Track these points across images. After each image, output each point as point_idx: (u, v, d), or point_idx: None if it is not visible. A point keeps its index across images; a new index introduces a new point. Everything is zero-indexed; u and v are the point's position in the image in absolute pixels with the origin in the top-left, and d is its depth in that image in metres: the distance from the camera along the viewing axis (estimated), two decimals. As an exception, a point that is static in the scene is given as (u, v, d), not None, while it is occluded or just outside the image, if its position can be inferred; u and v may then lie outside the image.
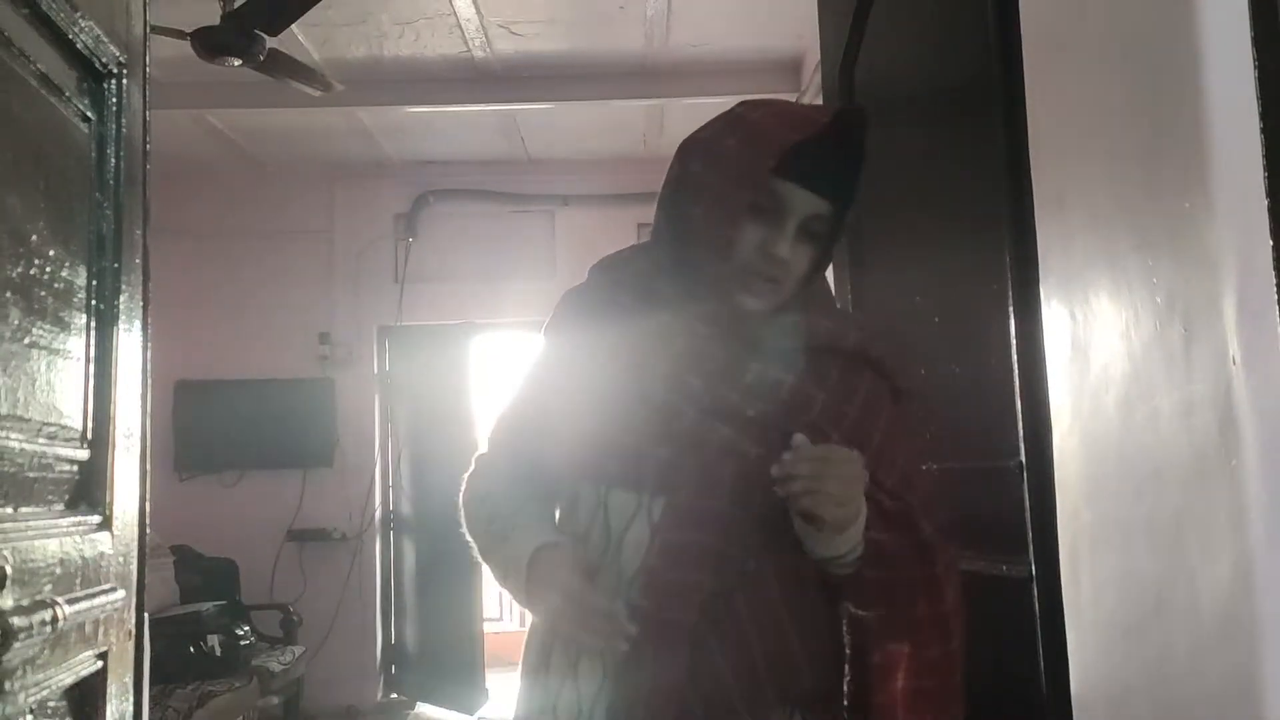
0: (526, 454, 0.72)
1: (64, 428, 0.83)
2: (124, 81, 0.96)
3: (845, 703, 0.66)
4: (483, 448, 0.76)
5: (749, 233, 0.65)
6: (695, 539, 0.62)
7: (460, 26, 2.62)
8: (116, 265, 0.93)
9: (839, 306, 0.77)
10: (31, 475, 0.78)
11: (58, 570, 0.79)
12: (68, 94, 0.86)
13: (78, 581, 0.82)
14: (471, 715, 3.33)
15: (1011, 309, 0.97)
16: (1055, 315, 0.91)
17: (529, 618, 0.72)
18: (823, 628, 0.66)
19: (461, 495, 0.74)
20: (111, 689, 0.89)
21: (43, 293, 0.80)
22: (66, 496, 0.84)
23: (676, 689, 0.60)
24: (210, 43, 2.04)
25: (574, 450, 0.68)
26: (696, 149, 0.68)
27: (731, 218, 0.65)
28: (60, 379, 0.83)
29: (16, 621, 0.68)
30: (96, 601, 0.84)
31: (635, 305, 0.69)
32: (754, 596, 0.63)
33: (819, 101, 1.69)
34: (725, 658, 0.61)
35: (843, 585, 0.64)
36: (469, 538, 0.74)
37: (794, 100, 2.78)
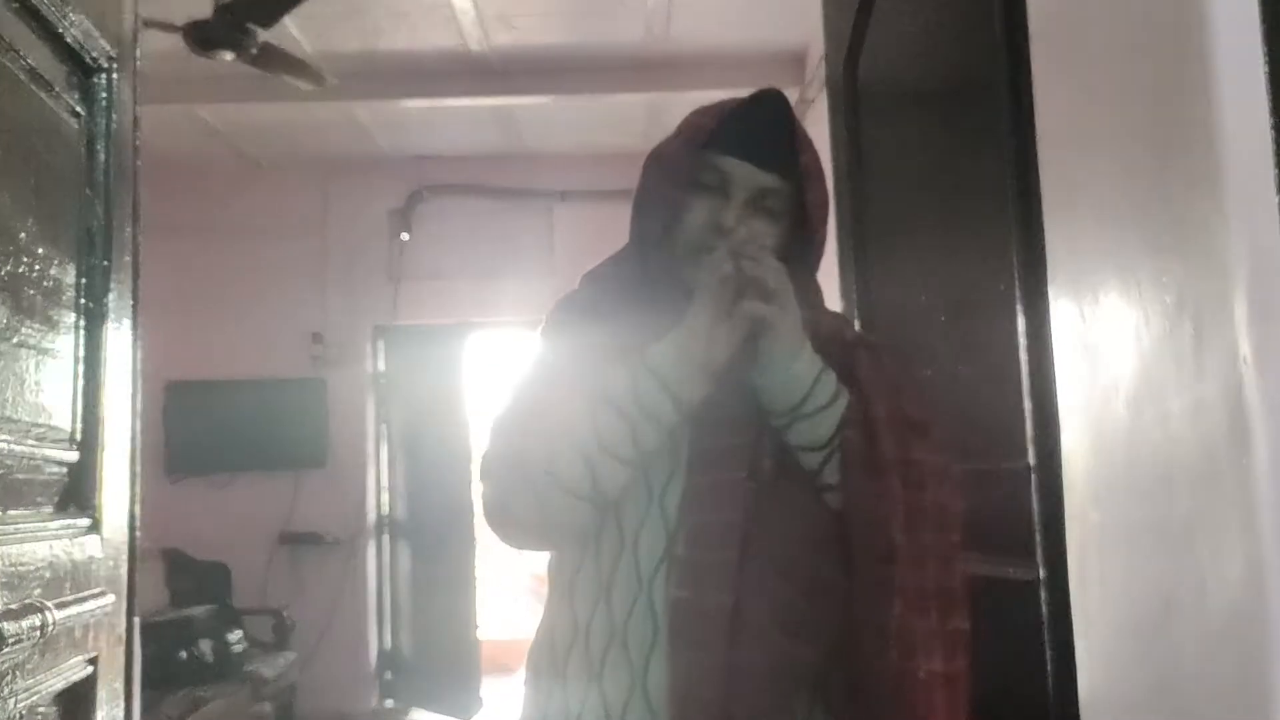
0: None
1: (52, 429, 0.82)
2: (114, 76, 0.94)
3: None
4: (488, 449, 0.71)
5: (696, 210, 0.68)
6: (720, 518, 0.62)
7: (456, 19, 2.60)
8: (106, 263, 0.91)
9: (832, 309, 0.77)
10: (20, 477, 0.76)
11: (47, 574, 0.78)
12: (57, 89, 0.84)
13: (67, 585, 0.81)
14: (466, 720, 3.31)
15: (1019, 308, 0.96)
16: (1064, 315, 0.90)
17: (530, 623, 0.70)
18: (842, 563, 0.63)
19: (493, 468, 0.66)
20: (102, 694, 0.88)
21: (31, 291, 0.78)
22: (55, 499, 0.83)
23: (723, 674, 0.58)
24: (202, 36, 2.02)
25: None
26: (650, 158, 0.71)
27: (677, 197, 0.68)
28: (49, 379, 0.81)
29: (5, 626, 0.67)
30: (86, 606, 0.83)
31: (626, 312, 0.69)
32: (777, 553, 0.62)
33: (824, 96, 1.68)
34: (769, 616, 0.60)
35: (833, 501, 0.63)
36: (547, 480, 0.62)
37: (795, 94, 2.79)
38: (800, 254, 0.70)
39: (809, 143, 0.70)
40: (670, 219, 0.67)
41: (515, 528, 0.67)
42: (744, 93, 0.70)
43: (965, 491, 0.67)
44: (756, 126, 0.68)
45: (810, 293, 0.72)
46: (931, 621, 0.62)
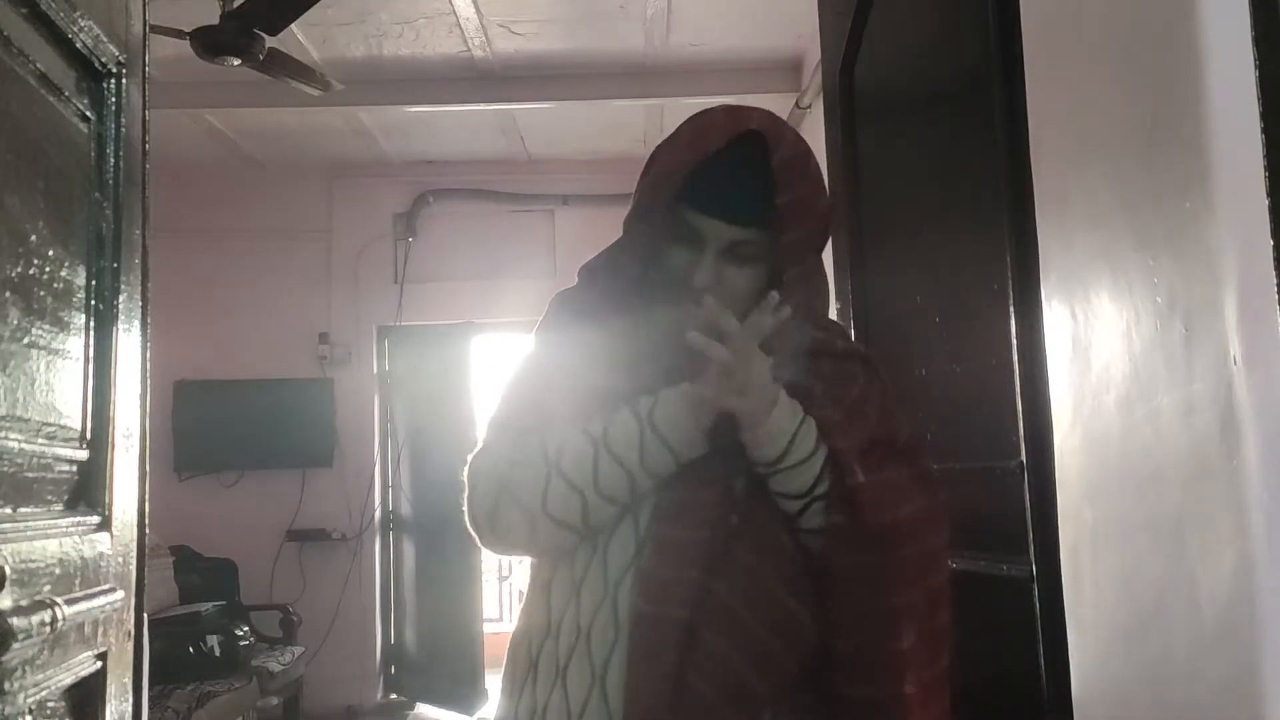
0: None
1: (63, 428, 0.83)
2: (123, 81, 0.96)
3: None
4: (480, 455, 0.71)
5: (673, 259, 0.67)
6: (686, 535, 0.63)
7: (460, 26, 2.62)
8: (115, 265, 0.93)
9: (825, 311, 0.74)
10: (30, 475, 0.78)
11: (57, 571, 0.79)
12: (67, 93, 0.86)
13: (77, 582, 0.82)
14: (471, 716, 3.33)
15: (1012, 308, 0.97)
16: (1056, 315, 0.91)
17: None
18: (812, 597, 0.65)
19: (482, 478, 0.67)
20: (111, 689, 0.89)
21: (42, 292, 0.80)
22: (66, 497, 0.84)
23: (672, 683, 0.60)
24: (210, 42, 2.04)
25: None
26: (643, 170, 0.70)
27: (651, 248, 0.67)
28: (59, 379, 0.83)
29: (16, 622, 0.68)
30: (96, 602, 0.84)
31: (621, 316, 0.69)
32: (743, 582, 0.63)
33: (819, 102, 1.69)
34: (728, 643, 0.62)
35: (817, 553, 0.64)
36: (531, 484, 0.64)
37: (792, 100, 2.79)
38: (793, 276, 0.68)
39: (796, 181, 0.65)
40: (648, 263, 0.67)
41: (502, 544, 0.69)
42: (734, 106, 0.65)
43: (950, 508, 0.67)
44: (729, 182, 0.64)
45: (808, 308, 0.69)
46: (920, 670, 0.63)
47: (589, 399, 0.66)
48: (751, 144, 0.65)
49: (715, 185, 0.65)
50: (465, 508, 0.68)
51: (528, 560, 0.73)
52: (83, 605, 0.81)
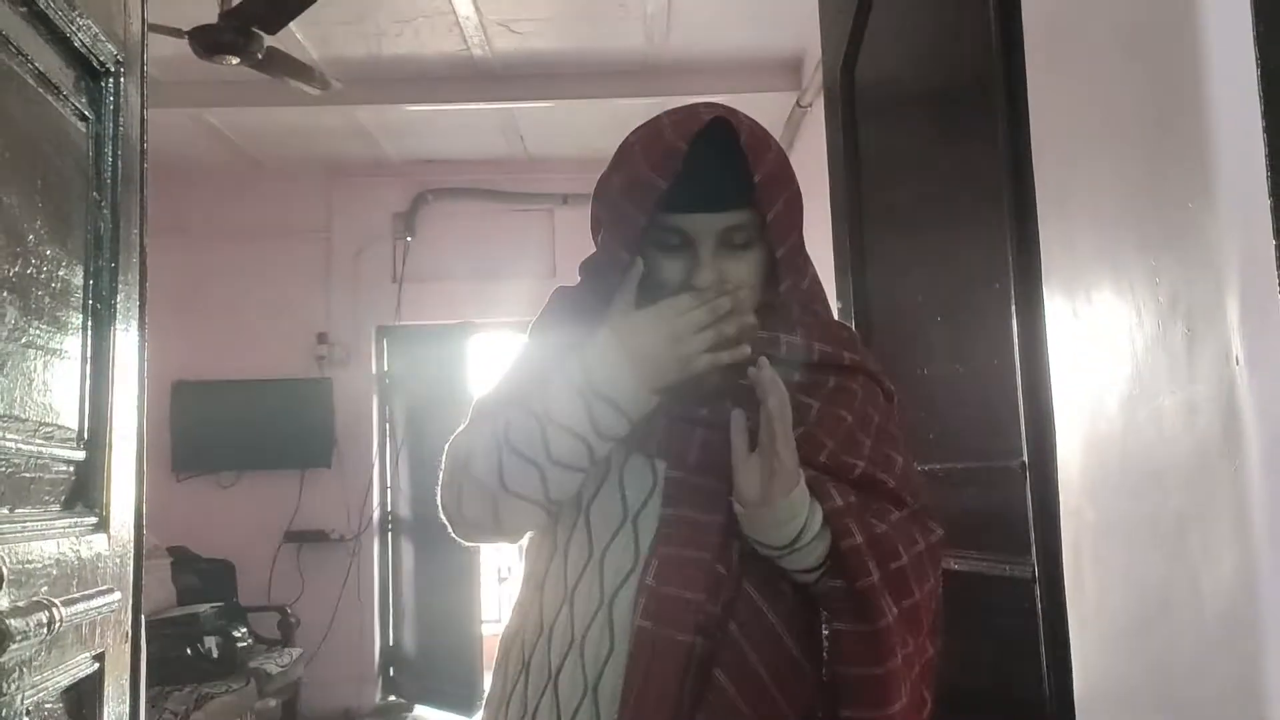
0: None
1: (60, 428, 0.83)
2: (121, 80, 0.95)
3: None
4: (454, 439, 0.69)
5: (665, 268, 0.65)
6: (693, 555, 0.62)
7: (459, 24, 2.61)
8: (113, 265, 0.92)
9: (831, 317, 0.73)
10: (28, 476, 0.77)
11: (54, 571, 0.79)
12: (65, 93, 0.86)
13: (74, 583, 0.82)
14: (469, 718, 3.32)
15: (1014, 308, 0.97)
16: (1058, 314, 0.90)
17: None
18: (817, 638, 0.65)
19: (449, 463, 0.66)
20: (108, 691, 0.88)
21: (39, 292, 0.79)
22: (63, 497, 0.84)
23: (672, 710, 0.59)
24: (208, 41, 2.03)
25: None
26: (598, 189, 0.69)
27: (649, 260, 0.65)
28: (57, 379, 0.82)
29: (13, 623, 0.68)
30: (93, 603, 0.83)
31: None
32: (747, 617, 0.63)
33: (820, 101, 1.69)
34: (737, 688, 0.61)
35: (820, 599, 0.64)
36: (492, 466, 0.63)
37: (792, 99, 2.79)
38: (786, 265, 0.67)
39: (765, 156, 0.64)
40: (651, 283, 0.65)
41: (470, 528, 0.67)
42: (689, 115, 0.64)
43: (948, 512, 0.67)
44: (706, 172, 0.63)
45: (809, 312, 0.69)
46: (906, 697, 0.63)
47: None
48: (712, 135, 0.64)
49: (692, 180, 0.63)
50: (438, 497, 0.67)
51: (523, 560, 0.72)
52: (80, 606, 0.80)
